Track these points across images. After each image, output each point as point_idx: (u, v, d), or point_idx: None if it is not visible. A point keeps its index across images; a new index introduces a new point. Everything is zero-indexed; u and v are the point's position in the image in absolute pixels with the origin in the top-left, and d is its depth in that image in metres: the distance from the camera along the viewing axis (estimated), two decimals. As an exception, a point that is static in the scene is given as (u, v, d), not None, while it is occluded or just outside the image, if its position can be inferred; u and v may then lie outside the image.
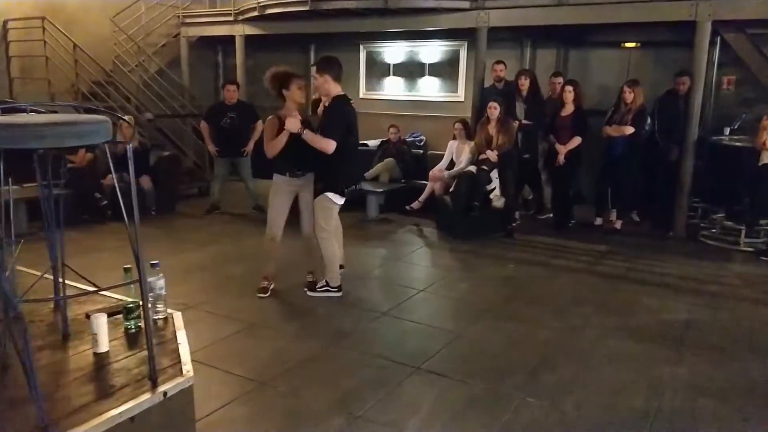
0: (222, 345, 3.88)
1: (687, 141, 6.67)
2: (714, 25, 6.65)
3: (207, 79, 11.47)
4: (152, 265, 2.49)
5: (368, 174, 7.89)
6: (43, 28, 8.54)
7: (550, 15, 7.36)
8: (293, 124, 4.34)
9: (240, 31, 9.75)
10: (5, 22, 8.92)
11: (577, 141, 6.78)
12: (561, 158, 6.82)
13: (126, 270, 2.46)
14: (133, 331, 2.40)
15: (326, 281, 4.71)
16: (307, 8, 8.16)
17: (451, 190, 6.89)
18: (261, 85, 12.03)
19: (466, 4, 7.82)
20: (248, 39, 9.92)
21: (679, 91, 6.78)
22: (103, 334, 2.23)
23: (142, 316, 2.39)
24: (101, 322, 2.23)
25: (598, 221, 7.14)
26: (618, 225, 6.99)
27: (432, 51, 10.09)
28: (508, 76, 7.57)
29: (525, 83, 7.08)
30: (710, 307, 4.74)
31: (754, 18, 6.44)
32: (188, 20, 10.25)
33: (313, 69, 4.54)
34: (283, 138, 4.42)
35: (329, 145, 4.35)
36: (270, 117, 4.58)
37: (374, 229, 7.16)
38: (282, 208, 4.65)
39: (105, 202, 7.17)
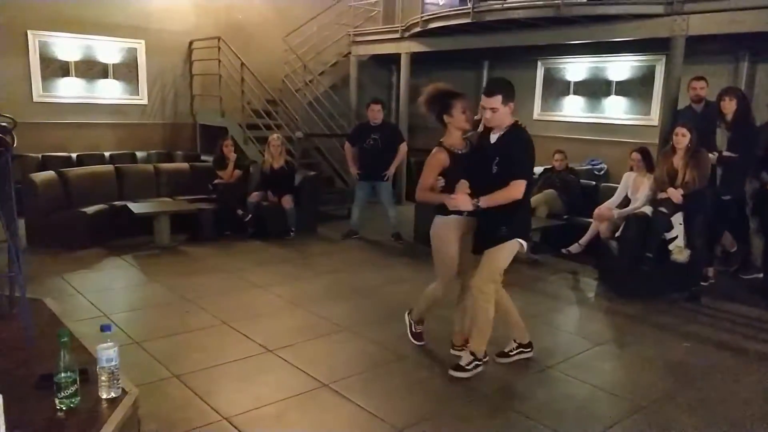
0: (288, 405, 3.26)
1: None
2: None
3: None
4: (102, 329, 1.91)
5: (523, 207, 6.83)
6: (218, 48, 8.94)
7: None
8: (464, 202, 3.41)
9: (406, 48, 9.32)
10: (191, 43, 9.57)
11: (801, 182, 5.05)
12: (776, 203, 5.15)
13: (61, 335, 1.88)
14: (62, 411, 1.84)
15: (473, 352, 3.69)
16: (468, 20, 7.40)
17: (617, 234, 5.58)
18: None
19: (660, 9, 6.42)
20: (419, 57, 9.48)
21: None
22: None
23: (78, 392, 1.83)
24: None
25: (831, 291, 5.26)
26: None
27: (621, 67, 8.70)
28: (713, 96, 5.99)
29: (730, 105, 5.49)
30: None
31: None
32: (358, 39, 10.11)
33: (484, 98, 3.43)
34: (439, 198, 3.57)
35: (519, 191, 3.40)
36: (435, 150, 3.64)
37: (519, 274, 6.08)
38: (456, 257, 3.70)
39: (248, 218, 7.12)
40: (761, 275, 5.70)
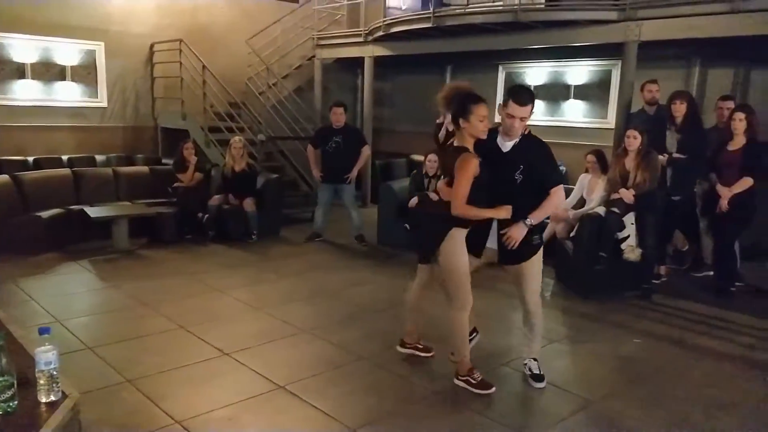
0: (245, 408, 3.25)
1: None
2: None
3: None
4: (39, 332, 1.89)
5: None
6: (180, 50, 8.86)
7: (721, 25, 5.91)
8: (519, 232, 3.35)
9: (370, 52, 9.37)
10: (152, 45, 9.45)
11: (746, 183, 5.24)
12: (724, 203, 5.33)
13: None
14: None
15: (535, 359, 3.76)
16: (429, 25, 7.49)
17: (572, 234, 5.71)
18: (398, 109, 11.75)
19: (614, 15, 6.60)
20: (384, 61, 9.54)
21: None
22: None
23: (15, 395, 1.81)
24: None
25: (775, 288, 5.47)
26: (803, 295, 5.28)
27: (579, 71, 8.91)
28: (664, 100, 6.18)
29: (680, 108, 5.66)
30: None
31: None
32: (322, 42, 10.12)
33: (508, 104, 3.28)
34: (487, 214, 3.37)
35: (562, 197, 3.45)
36: (467, 155, 3.26)
37: (478, 273, 6.15)
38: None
39: (208, 221, 7.06)
40: (712, 273, 5.90)
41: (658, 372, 3.95)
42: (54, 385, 1.89)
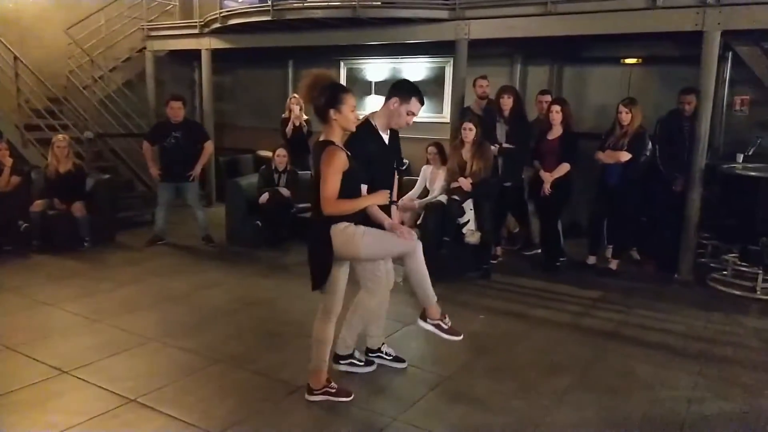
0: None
1: (693, 169, 5.71)
2: (725, 36, 5.76)
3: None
4: None
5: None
6: (-16, 41, 7.84)
7: (537, 26, 6.49)
8: (383, 198, 3.29)
9: (206, 44, 8.98)
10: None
11: (564, 168, 5.86)
12: (546, 187, 5.91)
13: None
14: None
15: None
16: (269, 18, 7.37)
17: (419, 222, 5.99)
18: (239, 104, 11.36)
19: (445, 14, 6.98)
20: (223, 54, 9.19)
21: (685, 111, 5.86)
22: None
23: None
24: None
25: (592, 260, 6.18)
26: (614, 265, 6.03)
27: (416, 68, 9.29)
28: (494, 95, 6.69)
29: (507, 102, 6.18)
30: (720, 379, 3.77)
31: (772, 27, 5.52)
32: (153, 33, 9.52)
33: (411, 101, 3.43)
34: (365, 202, 3.24)
35: None
36: (332, 148, 3.08)
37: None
38: None
39: (31, 230, 6.35)
40: (540, 251, 6.52)
41: (501, 343, 4.30)
42: None
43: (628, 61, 7.57)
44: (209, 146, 6.83)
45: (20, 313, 4.60)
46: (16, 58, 7.67)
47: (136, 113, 9.01)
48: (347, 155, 3.10)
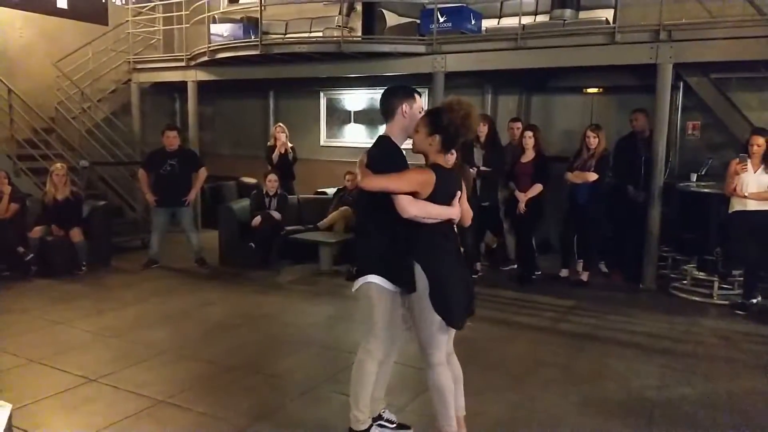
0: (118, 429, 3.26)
1: (653, 187, 6.32)
2: (676, 68, 6.44)
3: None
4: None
5: (321, 224, 7.42)
6: (-24, 73, 8.06)
7: (507, 59, 7.09)
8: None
9: (192, 76, 9.37)
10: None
11: (538, 188, 6.39)
12: (521, 206, 6.42)
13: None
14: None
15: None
16: (257, 52, 7.81)
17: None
18: (220, 133, 11.67)
19: (422, 49, 7.54)
20: (207, 85, 9.56)
21: (634, 128, 6.57)
22: None
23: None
24: None
25: (564, 273, 6.69)
26: (585, 277, 6.55)
27: (393, 97, 9.79)
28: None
29: (483, 129, 6.71)
30: (684, 370, 4.26)
31: (717, 60, 6.20)
32: (139, 66, 9.86)
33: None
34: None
35: None
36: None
37: (326, 283, 6.61)
38: None
39: (30, 256, 6.55)
40: (515, 266, 7.01)
41: (490, 346, 4.72)
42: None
43: (590, 90, 8.24)
44: (203, 172, 7.17)
45: (35, 332, 4.83)
46: (10, 91, 7.91)
47: (124, 142, 9.28)
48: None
